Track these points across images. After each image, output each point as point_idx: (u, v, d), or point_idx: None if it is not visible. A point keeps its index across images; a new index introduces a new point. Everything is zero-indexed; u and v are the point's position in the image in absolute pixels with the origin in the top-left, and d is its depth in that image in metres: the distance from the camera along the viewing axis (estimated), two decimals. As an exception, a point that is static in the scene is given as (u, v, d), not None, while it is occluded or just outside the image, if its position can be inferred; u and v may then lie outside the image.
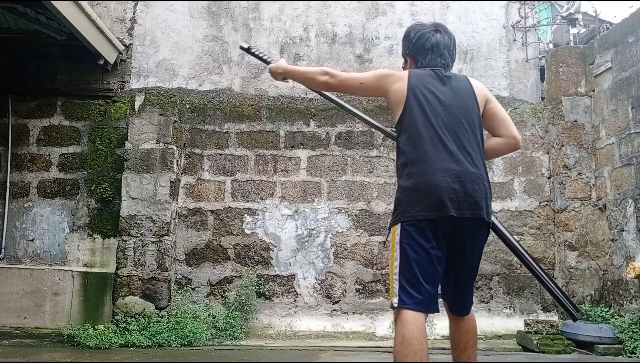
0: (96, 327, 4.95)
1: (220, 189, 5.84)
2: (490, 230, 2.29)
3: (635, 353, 4.52)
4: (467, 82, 2.35)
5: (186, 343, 4.89)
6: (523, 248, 2.46)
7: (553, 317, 5.48)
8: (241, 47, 2.80)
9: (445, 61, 2.38)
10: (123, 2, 6.30)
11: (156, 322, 5.10)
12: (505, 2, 6.38)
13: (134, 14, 6.29)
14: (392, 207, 2.30)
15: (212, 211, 5.79)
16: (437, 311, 2.17)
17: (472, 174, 2.14)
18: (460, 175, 2.12)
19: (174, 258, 5.61)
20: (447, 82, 2.29)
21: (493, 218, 2.29)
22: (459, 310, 2.32)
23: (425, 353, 2.02)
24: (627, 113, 5.17)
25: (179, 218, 5.74)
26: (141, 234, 5.42)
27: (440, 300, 2.26)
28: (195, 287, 5.60)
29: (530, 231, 5.76)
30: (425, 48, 2.37)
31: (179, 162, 5.76)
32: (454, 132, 2.18)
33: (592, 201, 5.59)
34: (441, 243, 2.12)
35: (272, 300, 5.62)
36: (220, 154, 5.91)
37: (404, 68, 2.52)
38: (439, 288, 2.28)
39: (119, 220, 5.49)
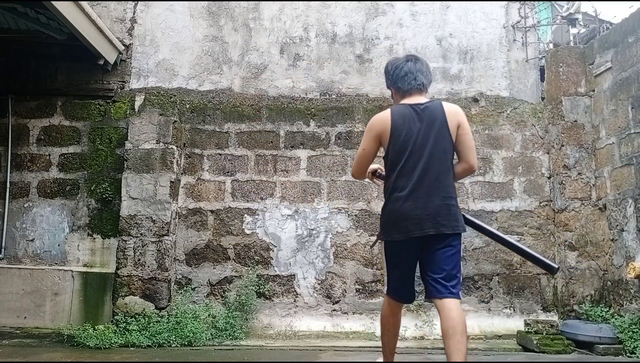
0: (96, 327, 4.95)
1: (220, 189, 5.84)
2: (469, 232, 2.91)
3: (635, 353, 4.52)
4: (441, 110, 2.76)
5: (186, 343, 4.89)
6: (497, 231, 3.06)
7: (553, 317, 5.48)
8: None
9: (420, 82, 2.88)
10: (123, 2, 6.30)
11: (156, 322, 5.10)
12: (505, 2, 6.38)
13: (134, 14, 6.29)
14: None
15: (212, 211, 5.79)
16: (410, 302, 2.96)
17: (437, 200, 2.68)
18: (425, 203, 2.67)
19: (174, 258, 5.61)
20: (423, 115, 2.76)
21: (469, 216, 2.90)
22: (434, 294, 2.71)
23: (392, 327, 2.94)
24: (627, 113, 5.16)
25: (179, 218, 5.74)
26: (141, 234, 5.42)
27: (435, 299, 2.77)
28: (195, 287, 5.60)
29: (530, 231, 5.76)
30: (401, 76, 2.91)
31: (179, 162, 5.76)
32: (425, 164, 2.70)
33: (592, 201, 5.58)
34: (415, 249, 2.76)
35: (272, 300, 5.62)
36: (220, 154, 5.91)
37: (392, 97, 3.04)
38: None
39: (119, 220, 5.49)
